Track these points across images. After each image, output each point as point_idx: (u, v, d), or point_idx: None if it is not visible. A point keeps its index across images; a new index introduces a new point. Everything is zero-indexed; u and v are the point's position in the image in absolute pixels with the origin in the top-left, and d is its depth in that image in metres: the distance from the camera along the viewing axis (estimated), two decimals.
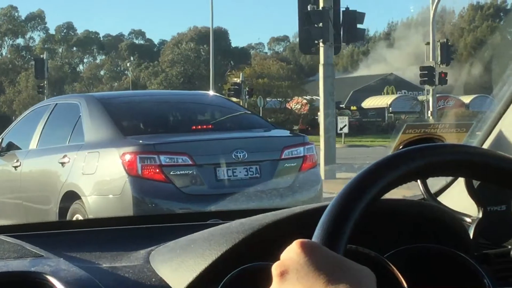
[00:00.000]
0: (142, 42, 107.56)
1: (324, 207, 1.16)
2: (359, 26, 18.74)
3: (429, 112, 32.26)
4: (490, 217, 1.65)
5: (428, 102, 55.77)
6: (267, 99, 50.68)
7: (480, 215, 1.65)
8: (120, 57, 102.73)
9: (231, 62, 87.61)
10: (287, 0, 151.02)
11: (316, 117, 55.27)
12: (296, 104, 57.08)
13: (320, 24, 17.92)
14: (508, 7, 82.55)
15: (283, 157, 8.75)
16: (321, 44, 18.15)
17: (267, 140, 9.23)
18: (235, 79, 41.55)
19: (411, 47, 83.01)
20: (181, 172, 8.22)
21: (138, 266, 1.67)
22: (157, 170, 8.11)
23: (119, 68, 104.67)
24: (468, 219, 1.73)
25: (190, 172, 8.25)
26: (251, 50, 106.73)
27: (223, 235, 1.57)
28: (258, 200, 8.21)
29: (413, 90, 71.07)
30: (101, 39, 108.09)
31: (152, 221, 2.41)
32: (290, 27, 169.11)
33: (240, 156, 8.45)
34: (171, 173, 8.16)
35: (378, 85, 69.08)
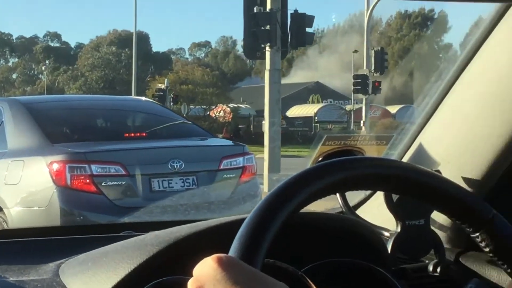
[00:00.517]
0: (58, 45, 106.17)
1: (242, 220, 1.17)
2: (307, 30, 18.55)
3: (361, 122, 32.48)
4: (409, 232, 1.66)
5: (353, 111, 56.59)
6: (191, 106, 50.48)
7: (399, 229, 1.66)
8: (34, 60, 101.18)
9: (152, 67, 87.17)
10: (209, 5, 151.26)
11: (241, 126, 55.47)
12: (220, 111, 57.04)
13: (268, 27, 17.65)
14: (436, 16, 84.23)
15: (221, 167, 8.62)
16: (267, 48, 17.90)
17: (205, 149, 9.07)
18: (159, 85, 41.15)
19: (338, 55, 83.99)
20: (114, 183, 8.00)
21: (47, 279, 1.65)
22: (88, 181, 7.87)
23: (33, 71, 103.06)
24: (387, 233, 1.75)
25: (123, 183, 8.04)
26: (172, 55, 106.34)
27: (137, 247, 1.56)
28: (194, 213, 8.03)
29: (339, 99, 71.75)
30: (14, 41, 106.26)
31: (62, 232, 2.38)
32: (212, 33, 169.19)
33: (176, 166, 8.27)
34: (103, 183, 7.93)
35: (304, 94, 69.51)
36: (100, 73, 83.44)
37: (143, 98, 12.37)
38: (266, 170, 16.32)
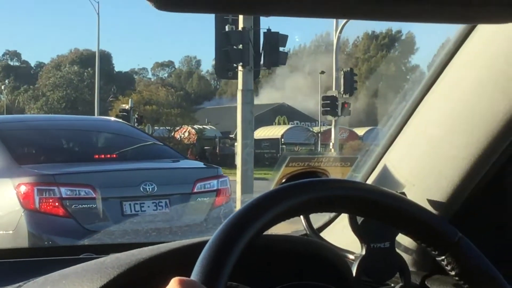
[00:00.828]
0: (17, 64, 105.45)
1: (205, 242, 1.20)
2: (281, 49, 18.48)
3: (331, 144, 32.52)
4: (374, 254, 1.65)
5: (320, 133, 56.70)
6: (155, 127, 50.32)
7: (363, 252, 1.65)
8: None
9: (114, 87, 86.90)
10: (172, 24, 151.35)
11: (206, 147, 55.34)
12: (184, 133, 56.91)
13: (240, 46, 17.56)
14: (403, 37, 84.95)
15: (195, 190, 8.54)
16: (240, 68, 17.80)
17: (178, 172, 8.97)
18: (123, 105, 40.99)
19: (304, 76, 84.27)
20: (84, 206, 7.89)
21: None
22: (57, 204, 7.75)
23: None
24: (351, 256, 1.75)
25: (94, 206, 7.93)
26: (135, 75, 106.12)
27: (97, 270, 1.54)
28: (156, 236, 7.91)
29: (305, 120, 71.87)
30: None
31: (20, 254, 2.34)
32: (175, 52, 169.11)
33: (148, 189, 8.19)
34: (73, 207, 7.82)
35: (269, 115, 69.56)
36: (61, 92, 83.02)
37: (112, 118, 12.27)
38: (239, 192, 16.23)
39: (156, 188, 8.21)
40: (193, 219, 8.39)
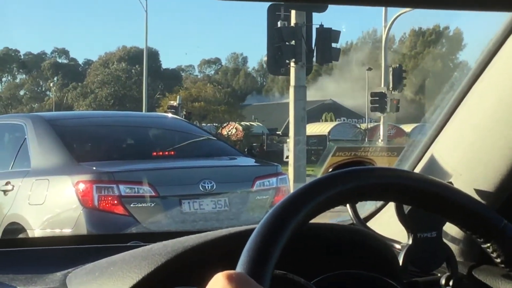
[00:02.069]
0: (66, 61, 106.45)
1: (251, 230, 1.20)
2: (333, 45, 18.36)
3: (379, 140, 32.33)
4: (420, 244, 1.64)
5: (368, 130, 56.39)
6: (203, 123, 50.45)
7: (410, 242, 1.64)
8: (42, 77, 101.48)
9: (161, 84, 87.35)
10: (219, 21, 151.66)
11: (254, 144, 55.32)
12: (231, 129, 57.00)
13: (292, 42, 17.46)
14: (450, 33, 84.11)
15: (254, 188, 8.42)
16: (292, 64, 17.70)
17: (237, 169, 8.90)
18: (171, 102, 41.09)
19: (350, 73, 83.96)
20: (143, 205, 7.79)
21: None
22: (116, 202, 7.67)
23: (40, 88, 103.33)
24: (398, 246, 1.74)
25: (153, 204, 7.83)
26: (182, 72, 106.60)
27: (144, 257, 1.56)
28: (203, 224, 7.94)
29: (352, 117, 71.69)
30: (22, 57, 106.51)
31: (69, 242, 2.41)
32: (222, 49, 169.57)
33: (207, 187, 8.09)
34: (132, 205, 7.72)
35: (316, 112, 69.36)
36: (110, 89, 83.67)
37: (169, 115, 12.24)
38: (292, 189, 16.13)
39: (215, 186, 8.11)
40: (252, 218, 8.28)
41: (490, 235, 1.40)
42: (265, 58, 19.16)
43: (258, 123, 63.51)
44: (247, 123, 60.29)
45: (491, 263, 1.50)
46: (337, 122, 66.76)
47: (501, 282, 1.73)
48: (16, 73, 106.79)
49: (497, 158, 1.76)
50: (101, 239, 2.65)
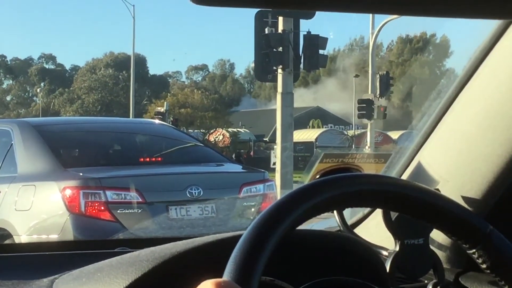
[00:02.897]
0: (53, 67, 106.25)
1: (238, 237, 1.20)
2: (321, 52, 18.39)
3: (366, 147, 32.39)
4: (407, 251, 1.64)
5: (355, 137, 56.43)
6: (189, 130, 50.38)
7: (397, 248, 1.64)
8: (29, 82, 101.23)
9: (148, 90, 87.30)
10: (206, 28, 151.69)
11: (241, 150, 55.29)
12: (218, 136, 56.96)
13: (280, 49, 17.49)
14: (438, 41, 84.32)
15: (241, 195, 8.42)
16: (279, 70, 17.73)
17: (224, 176, 8.91)
18: (159, 108, 41.10)
19: (337, 80, 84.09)
20: (130, 211, 7.77)
21: None
22: (103, 208, 7.66)
23: (27, 93, 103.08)
24: (385, 252, 1.74)
25: (140, 210, 7.81)
26: (169, 78, 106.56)
27: (131, 263, 1.56)
28: (190, 230, 7.95)
29: (339, 124, 71.78)
30: (9, 62, 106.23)
31: (56, 247, 2.40)
32: (209, 56, 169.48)
33: (195, 193, 8.09)
34: (119, 211, 7.71)
35: (303, 118, 69.42)
36: (97, 95, 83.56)
37: (157, 121, 12.24)
38: (278, 196, 16.14)
39: (202, 193, 8.10)
40: (239, 224, 8.28)
41: (476, 241, 1.41)
42: (253, 65, 19.23)
43: (245, 129, 63.51)
44: (234, 130, 60.26)
45: (478, 270, 1.50)
46: (324, 129, 66.83)
47: None
48: (2, 79, 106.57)
49: (484, 164, 1.76)
50: (88, 245, 2.64)
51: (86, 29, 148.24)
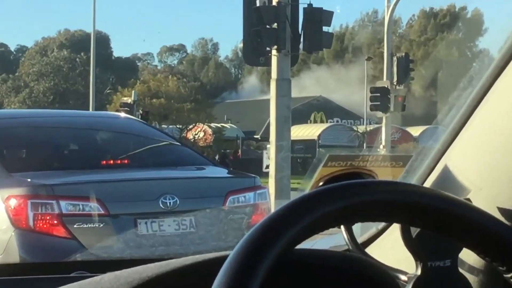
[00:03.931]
0: None
1: (223, 258, 1.21)
2: (325, 29, 18.49)
3: (381, 146, 32.53)
4: (431, 275, 1.63)
5: (366, 134, 56.77)
6: (163, 125, 50.64)
7: (419, 272, 1.62)
8: None
9: (113, 76, 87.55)
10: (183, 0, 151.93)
11: (227, 150, 55.50)
12: (199, 132, 57.21)
13: (274, 25, 17.57)
14: (468, 15, 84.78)
15: (227, 206, 8.48)
16: (274, 52, 17.82)
17: (206, 182, 8.94)
18: (125, 98, 41.34)
19: (344, 63, 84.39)
20: (89, 225, 7.81)
21: None
22: (55, 221, 7.70)
23: None
24: (404, 277, 1.71)
25: (101, 224, 7.87)
26: (138, 62, 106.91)
27: None
28: (164, 249, 8.01)
29: (347, 117, 72.15)
30: None
31: (7, 271, 2.44)
32: (187, 34, 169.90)
33: (169, 203, 8.16)
34: (75, 225, 7.74)
35: (304, 111, 69.83)
36: (48, 83, 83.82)
37: (122, 114, 12.29)
38: (273, 207, 16.28)
39: (178, 203, 8.14)
40: (224, 243, 8.34)
41: None
42: (241, 45, 19.22)
43: (231, 124, 63.81)
44: (218, 125, 60.55)
45: None
46: (329, 124, 67.22)
47: None
48: None
49: None
50: (38, 268, 2.67)
51: (35, 1, 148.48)
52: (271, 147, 18.61)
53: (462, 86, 2.04)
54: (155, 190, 8.20)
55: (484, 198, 1.77)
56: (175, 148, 9.76)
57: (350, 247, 1.93)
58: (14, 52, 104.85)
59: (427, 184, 1.99)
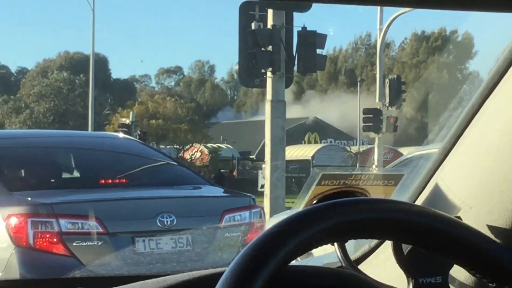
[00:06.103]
0: None
1: (219, 274, 1.22)
2: (319, 51, 18.51)
3: (373, 166, 32.53)
4: None
5: (359, 154, 56.72)
6: (161, 145, 50.57)
7: None
8: None
9: (111, 98, 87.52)
10: (180, 23, 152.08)
11: (223, 170, 55.45)
12: (195, 152, 57.17)
13: (269, 48, 17.62)
14: (459, 38, 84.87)
15: (223, 224, 8.50)
16: (269, 74, 17.85)
17: (202, 201, 8.98)
18: (123, 119, 41.36)
19: (338, 85, 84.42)
20: (88, 243, 7.85)
21: None
22: (55, 240, 7.73)
23: None
24: None
25: (100, 243, 7.90)
26: (136, 83, 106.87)
27: None
28: (161, 266, 8.03)
29: (340, 138, 72.09)
30: None
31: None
32: (184, 57, 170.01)
33: (166, 222, 8.20)
34: (74, 243, 7.77)
35: (298, 132, 69.75)
36: (48, 104, 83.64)
37: (121, 135, 12.33)
38: (267, 226, 16.25)
39: (175, 221, 8.19)
40: (220, 259, 8.35)
41: (505, 280, 1.41)
42: (236, 67, 19.28)
43: (227, 145, 63.71)
44: (214, 145, 60.48)
45: None
46: (322, 145, 67.16)
47: None
48: None
49: None
50: (38, 285, 2.66)
51: (36, 24, 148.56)
52: (266, 167, 18.65)
53: (452, 106, 2.08)
54: (152, 209, 8.24)
55: (475, 216, 1.78)
56: (172, 167, 9.80)
57: (343, 264, 1.94)
58: (15, 74, 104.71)
59: (419, 202, 2.01)
